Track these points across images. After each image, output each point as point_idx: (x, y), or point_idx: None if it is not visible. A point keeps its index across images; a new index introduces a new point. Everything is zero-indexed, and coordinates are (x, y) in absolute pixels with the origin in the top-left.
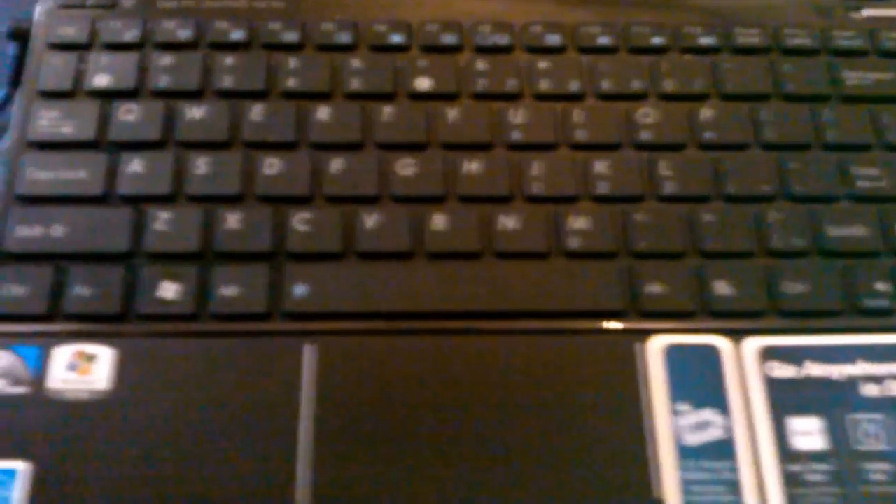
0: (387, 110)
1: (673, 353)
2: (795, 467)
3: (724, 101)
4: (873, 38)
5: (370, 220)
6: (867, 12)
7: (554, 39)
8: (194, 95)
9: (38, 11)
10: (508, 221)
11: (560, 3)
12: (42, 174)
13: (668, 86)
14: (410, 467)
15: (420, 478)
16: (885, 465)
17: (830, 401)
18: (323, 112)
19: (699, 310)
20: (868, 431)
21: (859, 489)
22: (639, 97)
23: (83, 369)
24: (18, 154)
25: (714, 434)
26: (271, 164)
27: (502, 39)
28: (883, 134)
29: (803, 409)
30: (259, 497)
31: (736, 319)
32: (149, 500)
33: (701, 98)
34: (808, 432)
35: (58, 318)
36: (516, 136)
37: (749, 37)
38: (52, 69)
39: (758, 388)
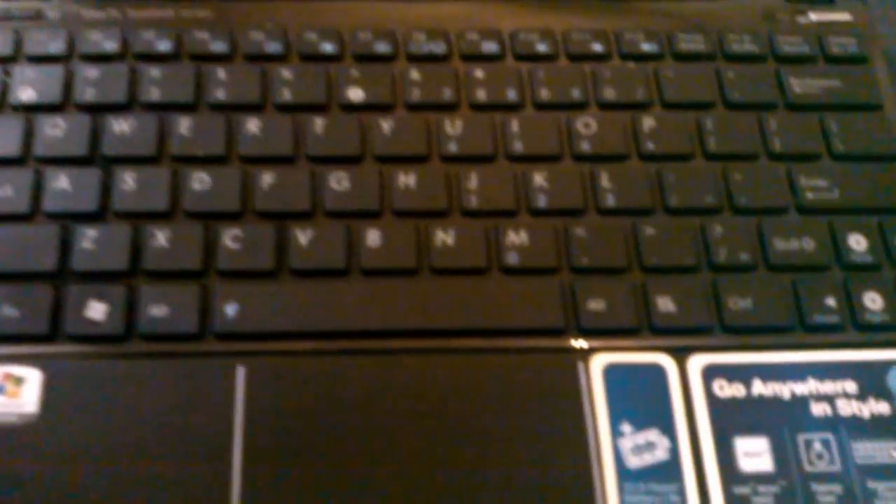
0: (319, 122)
1: (615, 372)
2: (743, 489)
3: (666, 109)
4: (820, 43)
5: (303, 236)
6: (814, 17)
7: (491, 47)
8: (121, 108)
9: None
10: (445, 237)
11: (496, 9)
12: None
13: (609, 94)
14: (342, 489)
15: (353, 500)
16: (834, 487)
17: (779, 420)
18: (253, 124)
19: (642, 327)
20: (818, 452)
21: None
22: (578, 106)
23: (11, 392)
24: None
25: (658, 456)
26: (200, 180)
27: (437, 47)
28: (831, 143)
29: (751, 430)
30: None
31: (680, 336)
32: None
33: (643, 107)
34: (756, 453)
35: None
36: (452, 147)
37: (692, 43)
38: None
39: (703, 408)
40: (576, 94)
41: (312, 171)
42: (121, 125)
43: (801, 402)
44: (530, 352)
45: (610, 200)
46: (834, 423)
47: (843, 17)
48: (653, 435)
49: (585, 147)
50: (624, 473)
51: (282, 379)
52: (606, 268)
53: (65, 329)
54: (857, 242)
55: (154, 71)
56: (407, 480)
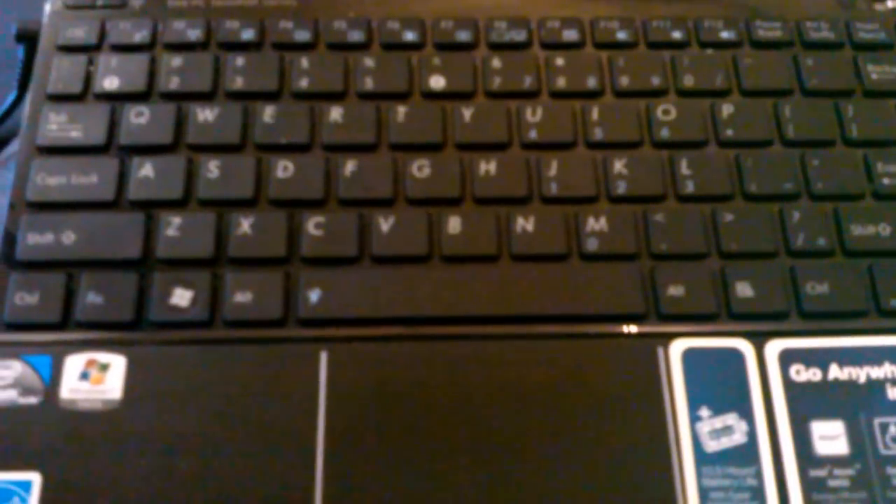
0: (401, 110)
1: (694, 356)
2: (819, 472)
3: (744, 97)
4: None
5: (385, 223)
6: (891, 3)
7: (571, 35)
8: (205, 97)
9: (47, 13)
10: (526, 223)
11: None
12: (52, 179)
13: (688, 82)
14: (424, 474)
15: (435, 484)
16: None
17: (855, 404)
18: (336, 113)
19: (721, 312)
20: (893, 435)
21: (885, 495)
22: (658, 93)
23: (96, 378)
24: (28, 159)
25: (736, 440)
26: (284, 167)
27: (518, 35)
28: None
29: (827, 413)
30: None
31: (758, 322)
32: None
33: (721, 94)
34: (832, 437)
35: (70, 326)
36: (533, 135)
37: (770, 31)
38: (60, 72)
39: (780, 392)
40: (655, 81)
41: (394, 159)
42: (205, 114)
43: (877, 386)
44: (610, 337)
45: (689, 187)
46: None
47: None
48: (730, 419)
49: (665, 134)
50: (702, 457)
51: (364, 364)
52: (685, 254)
53: (149, 316)
54: None
55: (238, 60)
56: (486, 463)
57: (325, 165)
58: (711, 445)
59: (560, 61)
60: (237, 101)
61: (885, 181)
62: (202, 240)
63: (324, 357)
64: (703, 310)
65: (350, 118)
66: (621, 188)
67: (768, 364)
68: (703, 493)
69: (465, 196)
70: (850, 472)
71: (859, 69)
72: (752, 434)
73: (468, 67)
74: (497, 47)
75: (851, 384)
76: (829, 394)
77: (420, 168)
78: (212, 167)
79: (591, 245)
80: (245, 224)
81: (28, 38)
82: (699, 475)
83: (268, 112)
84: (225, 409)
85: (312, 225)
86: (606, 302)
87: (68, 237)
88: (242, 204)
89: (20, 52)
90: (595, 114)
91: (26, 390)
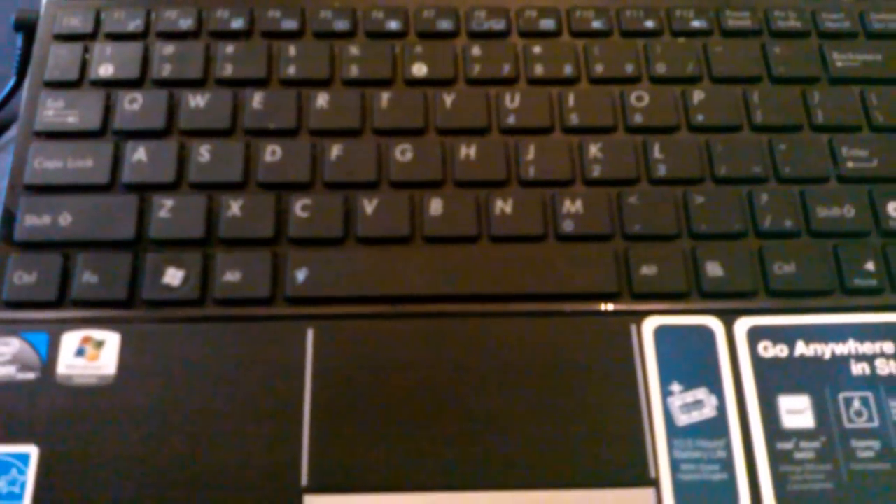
0: (384, 96)
1: (665, 334)
2: (786, 445)
3: (715, 83)
4: (861, 19)
5: (369, 205)
6: None
7: (548, 24)
8: (196, 84)
9: (45, 2)
10: (504, 205)
11: None
12: (49, 163)
13: (660, 69)
14: (407, 446)
15: (416, 456)
16: (873, 443)
17: (821, 380)
18: (322, 99)
19: (692, 291)
20: (857, 409)
21: (848, 466)
22: (631, 81)
23: (91, 355)
24: (25, 143)
25: (706, 413)
26: (272, 151)
27: (497, 24)
28: (871, 115)
29: (793, 388)
30: (267, 477)
31: (728, 300)
32: (157, 481)
33: (692, 81)
34: (798, 410)
35: (66, 304)
36: (511, 120)
37: (740, 20)
38: (57, 59)
39: (749, 368)
40: (629, 68)
41: (378, 143)
42: (196, 100)
43: (841, 362)
44: (585, 315)
45: (661, 170)
46: (872, 382)
47: None
48: (701, 393)
49: (638, 119)
50: (673, 430)
51: (348, 340)
52: (658, 234)
53: (142, 295)
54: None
55: (228, 48)
56: (468, 435)
57: (311, 150)
58: (682, 419)
59: (537, 49)
60: (227, 88)
61: (850, 164)
62: (193, 221)
63: (310, 333)
64: (674, 289)
65: (336, 104)
66: (596, 171)
67: (737, 341)
68: (675, 464)
69: (446, 179)
70: (815, 444)
71: (825, 57)
72: (721, 408)
73: (449, 55)
74: (477, 36)
75: (817, 360)
76: (795, 369)
77: (403, 152)
78: (203, 151)
79: (567, 226)
80: (234, 206)
81: (26, 27)
82: (671, 447)
83: (256, 98)
84: (215, 385)
85: (299, 207)
86: (582, 281)
87: (65, 219)
88: (232, 187)
89: (18, 40)
90: (571, 100)
91: (24, 366)
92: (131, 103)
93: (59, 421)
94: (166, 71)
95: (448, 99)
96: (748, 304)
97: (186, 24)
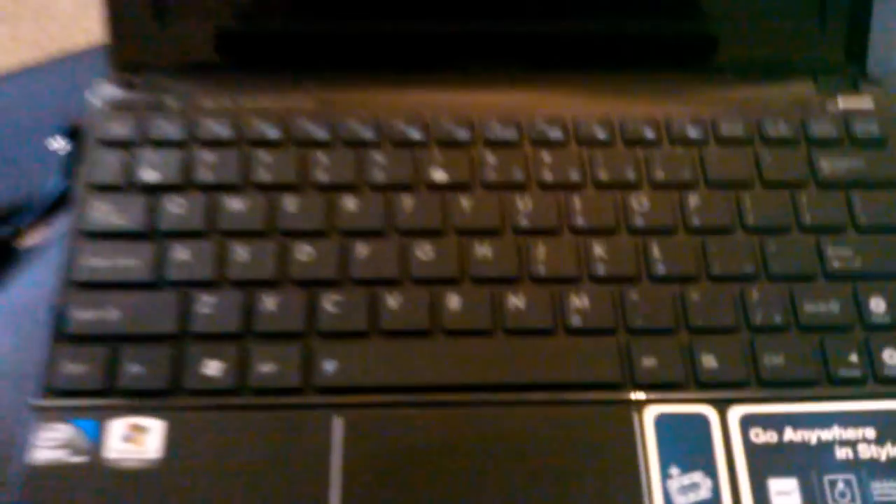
0: (407, 200)
1: (665, 421)
2: None
3: (709, 188)
4: (847, 127)
5: (392, 300)
6: (842, 103)
7: (556, 134)
8: (234, 188)
9: (90, 111)
10: (517, 301)
11: (560, 97)
12: (96, 262)
13: (659, 175)
14: None
15: None
16: None
17: (807, 463)
18: (350, 202)
19: (689, 381)
20: (841, 490)
21: None
22: (632, 186)
23: (136, 440)
24: (75, 243)
25: (702, 495)
26: (304, 251)
27: (509, 134)
28: (855, 216)
29: (783, 471)
30: None
31: (722, 390)
32: None
33: (689, 186)
34: (787, 492)
35: (113, 393)
36: (523, 222)
37: (733, 129)
38: (103, 164)
39: (741, 453)
40: (630, 174)
41: (401, 244)
42: (234, 203)
43: (826, 447)
44: (591, 404)
45: (660, 269)
46: (855, 466)
47: (866, 103)
48: (697, 476)
49: (639, 222)
50: None
51: (373, 427)
52: (657, 329)
53: (184, 384)
54: (878, 305)
55: (264, 155)
56: None
57: (340, 249)
58: (680, 500)
59: (546, 157)
60: (263, 192)
61: (836, 264)
62: (231, 316)
63: (338, 421)
64: (673, 379)
65: (362, 207)
66: (601, 270)
67: (730, 427)
68: None
69: (463, 276)
70: None
71: (813, 162)
72: (716, 490)
73: (466, 162)
74: (491, 144)
75: (804, 445)
76: (784, 454)
77: (424, 252)
78: (240, 251)
79: (575, 321)
80: (269, 302)
81: (73, 134)
82: None
83: (290, 202)
84: (250, 469)
85: (329, 302)
86: (588, 372)
87: (111, 314)
88: (267, 284)
89: (66, 143)
90: (577, 203)
91: (75, 451)
92: (174, 206)
93: (109, 502)
94: (207, 176)
95: (465, 202)
96: (741, 394)
97: (225, 133)
